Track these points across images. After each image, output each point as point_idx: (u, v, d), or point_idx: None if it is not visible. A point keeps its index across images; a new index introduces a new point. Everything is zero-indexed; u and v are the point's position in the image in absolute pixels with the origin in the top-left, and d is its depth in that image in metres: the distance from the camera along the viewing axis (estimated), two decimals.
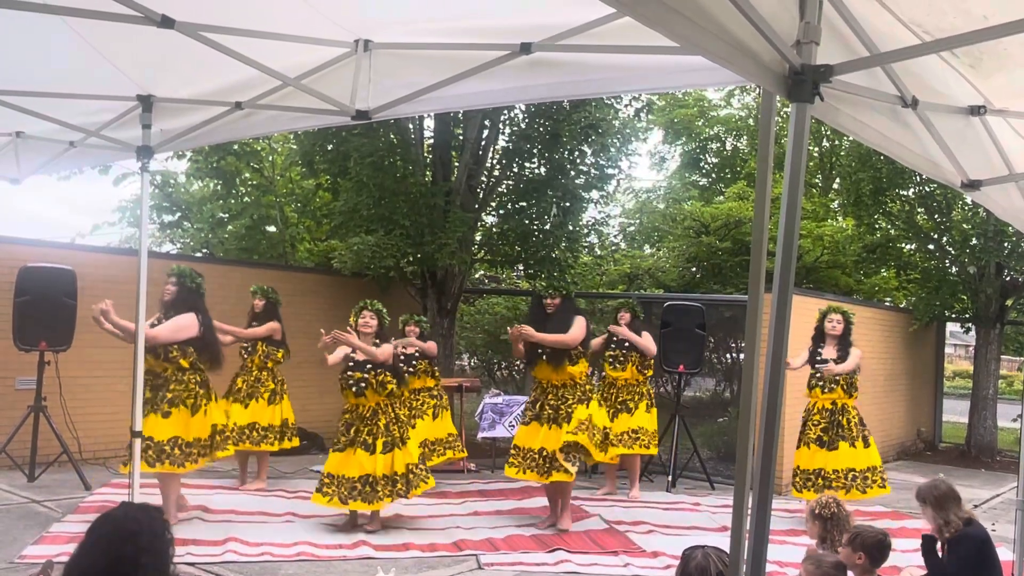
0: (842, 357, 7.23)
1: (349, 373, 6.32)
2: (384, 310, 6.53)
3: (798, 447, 7.37)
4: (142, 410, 5.30)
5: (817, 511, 4.44)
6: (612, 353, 8.17)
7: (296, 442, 7.87)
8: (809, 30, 2.24)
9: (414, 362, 8.04)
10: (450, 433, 8.31)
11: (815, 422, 7.27)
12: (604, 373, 8.37)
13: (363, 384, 6.28)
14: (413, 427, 7.38)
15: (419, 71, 3.80)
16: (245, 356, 7.62)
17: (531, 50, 3.37)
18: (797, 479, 7.31)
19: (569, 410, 6.49)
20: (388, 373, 6.34)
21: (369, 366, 6.28)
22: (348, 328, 6.34)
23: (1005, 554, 5.65)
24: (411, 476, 6.37)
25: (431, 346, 8.27)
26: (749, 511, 2.35)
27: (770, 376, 2.34)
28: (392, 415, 6.38)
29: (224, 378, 7.51)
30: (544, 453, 6.48)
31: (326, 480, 6.30)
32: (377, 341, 6.39)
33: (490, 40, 3.49)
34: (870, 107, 2.86)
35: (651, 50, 3.02)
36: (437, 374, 8.39)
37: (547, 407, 6.59)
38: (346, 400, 6.44)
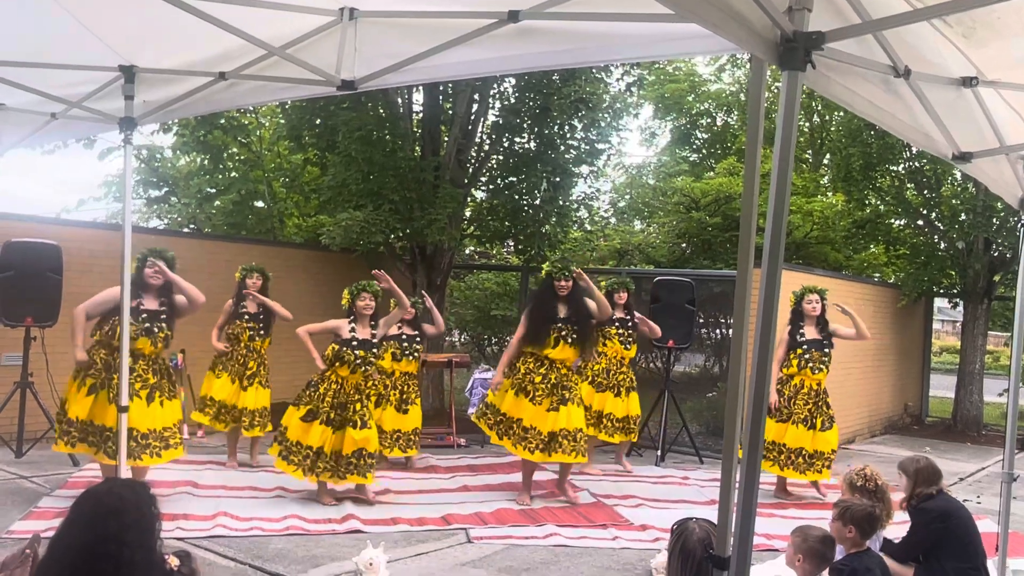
0: (825, 337, 7.23)
1: (347, 350, 6.24)
2: (380, 291, 6.48)
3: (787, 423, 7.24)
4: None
5: (859, 483, 4.38)
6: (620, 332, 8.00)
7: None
8: None
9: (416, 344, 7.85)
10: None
11: (805, 402, 7.15)
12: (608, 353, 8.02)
13: (361, 364, 6.28)
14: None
15: (405, 40, 3.74)
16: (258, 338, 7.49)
17: (519, 18, 3.31)
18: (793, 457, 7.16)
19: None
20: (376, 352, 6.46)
21: (373, 348, 6.35)
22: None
23: (990, 526, 5.72)
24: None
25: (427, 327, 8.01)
26: (737, 484, 2.35)
27: (758, 351, 2.32)
28: (366, 393, 6.46)
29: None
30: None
31: (307, 454, 6.19)
32: (373, 323, 6.43)
33: (477, 8, 3.42)
34: (862, 77, 2.83)
35: (641, 17, 2.97)
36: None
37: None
38: (333, 374, 6.31)
